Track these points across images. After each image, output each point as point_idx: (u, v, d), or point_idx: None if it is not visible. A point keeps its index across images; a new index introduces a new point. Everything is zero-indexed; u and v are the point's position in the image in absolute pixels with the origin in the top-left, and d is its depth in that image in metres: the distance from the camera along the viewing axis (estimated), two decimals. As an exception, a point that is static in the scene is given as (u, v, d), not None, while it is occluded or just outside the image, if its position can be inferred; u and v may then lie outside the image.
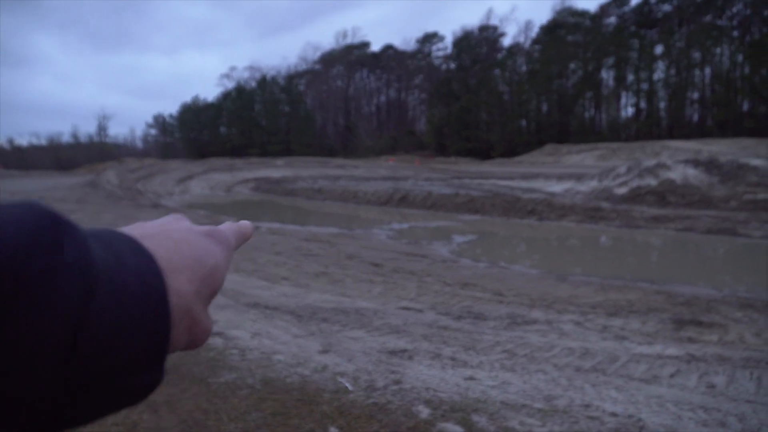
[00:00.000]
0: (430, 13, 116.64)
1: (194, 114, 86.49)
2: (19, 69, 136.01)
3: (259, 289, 6.46)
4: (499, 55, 69.95)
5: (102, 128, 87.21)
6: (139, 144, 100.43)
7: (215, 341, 4.28)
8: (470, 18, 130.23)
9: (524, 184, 23.79)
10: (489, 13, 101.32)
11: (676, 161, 17.49)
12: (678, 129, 53.52)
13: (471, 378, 3.61)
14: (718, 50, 53.98)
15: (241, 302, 5.76)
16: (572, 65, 61.64)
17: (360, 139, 74.33)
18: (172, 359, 3.84)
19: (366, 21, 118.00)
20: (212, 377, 3.54)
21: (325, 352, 4.10)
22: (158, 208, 18.12)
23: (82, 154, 79.31)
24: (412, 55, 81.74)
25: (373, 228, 13.34)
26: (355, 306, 5.65)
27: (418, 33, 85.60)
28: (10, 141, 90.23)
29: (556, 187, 20.34)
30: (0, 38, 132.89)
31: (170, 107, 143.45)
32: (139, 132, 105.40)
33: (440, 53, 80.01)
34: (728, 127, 48.39)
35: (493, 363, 3.92)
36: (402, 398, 3.26)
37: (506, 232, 13.19)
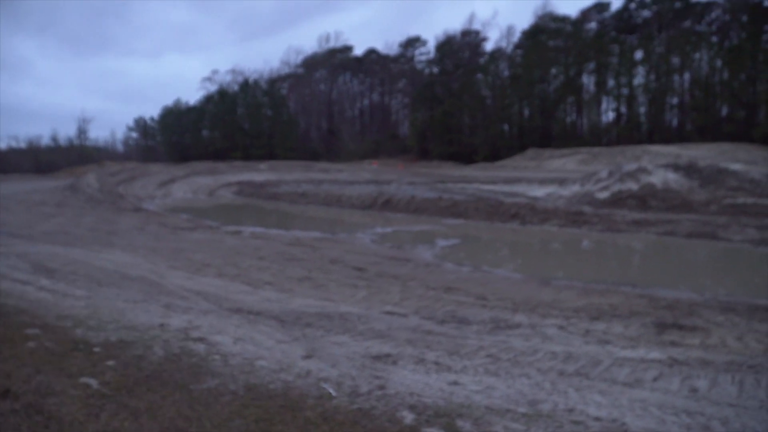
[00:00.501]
0: (412, 17, 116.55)
1: (176, 117, 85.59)
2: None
3: (242, 294, 6.41)
4: (482, 60, 70.21)
5: (82, 131, 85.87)
6: (120, 147, 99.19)
7: (197, 347, 4.23)
8: (453, 22, 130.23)
9: (507, 188, 23.93)
10: (471, 17, 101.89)
11: (657, 165, 17.72)
12: (658, 133, 54.10)
13: (455, 383, 3.60)
14: (697, 56, 54.74)
15: (224, 307, 5.70)
16: (554, 70, 62.04)
17: (343, 143, 74.12)
18: (153, 365, 3.78)
19: (348, 25, 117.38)
20: (194, 383, 3.49)
21: (308, 357, 4.07)
22: (139, 212, 17.91)
23: (62, 158, 78.03)
24: (394, 60, 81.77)
25: (356, 232, 13.32)
26: (339, 311, 5.62)
27: (401, 37, 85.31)
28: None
29: (539, 192, 20.49)
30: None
31: (152, 111, 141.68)
32: (120, 135, 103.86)
33: (423, 57, 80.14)
34: (707, 131, 49.04)
35: (477, 367, 3.91)
36: (386, 404, 3.24)
37: (489, 236, 13.25)
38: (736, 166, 16.44)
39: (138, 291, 6.43)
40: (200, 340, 4.42)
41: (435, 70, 74.17)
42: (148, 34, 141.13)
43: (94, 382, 3.48)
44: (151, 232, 12.72)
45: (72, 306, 5.56)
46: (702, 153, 36.90)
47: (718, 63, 52.24)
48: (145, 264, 8.42)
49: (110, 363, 3.83)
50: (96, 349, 4.13)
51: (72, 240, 11.12)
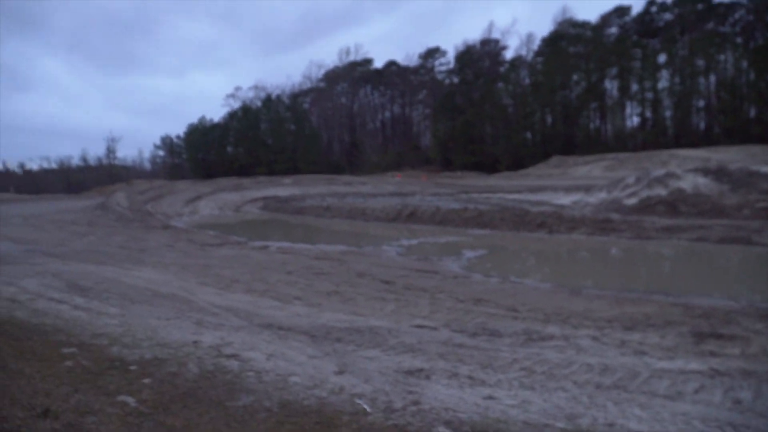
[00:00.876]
0: (432, 28, 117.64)
1: (201, 134, 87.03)
2: (27, 93, 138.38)
3: (271, 309, 6.44)
4: (502, 69, 70.12)
5: (111, 150, 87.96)
6: (148, 165, 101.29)
7: (231, 363, 4.26)
8: (472, 32, 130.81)
9: (532, 197, 23.73)
10: (490, 26, 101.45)
11: (686, 170, 17.40)
12: (685, 137, 53.26)
13: (490, 397, 3.56)
14: (722, 57, 53.90)
15: (255, 323, 5.74)
16: (575, 76, 61.62)
17: (366, 155, 74.53)
18: (188, 383, 3.81)
19: (368, 38, 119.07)
20: (230, 400, 3.52)
21: (341, 372, 4.07)
22: (168, 229, 18.17)
23: (92, 177, 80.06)
24: (415, 71, 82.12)
25: (382, 245, 13.31)
26: (369, 325, 5.61)
27: (421, 48, 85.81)
28: (21, 165, 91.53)
29: (565, 200, 20.28)
30: (8, 63, 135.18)
31: (177, 128, 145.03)
32: (147, 153, 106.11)
33: (443, 68, 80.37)
34: (735, 134, 48.09)
35: (511, 381, 3.87)
36: (422, 419, 3.21)
37: (516, 245, 13.13)
38: (767, 169, 16.04)
39: (170, 308, 6.51)
40: (233, 356, 4.46)
41: (455, 80, 74.17)
42: (172, 51, 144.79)
43: (131, 400, 3.52)
44: (180, 249, 12.89)
45: (106, 324, 5.66)
46: (731, 156, 36.19)
47: (744, 64, 51.32)
48: (176, 281, 8.53)
49: (146, 381, 3.88)
50: (132, 367, 4.19)
51: (104, 258, 11.32)
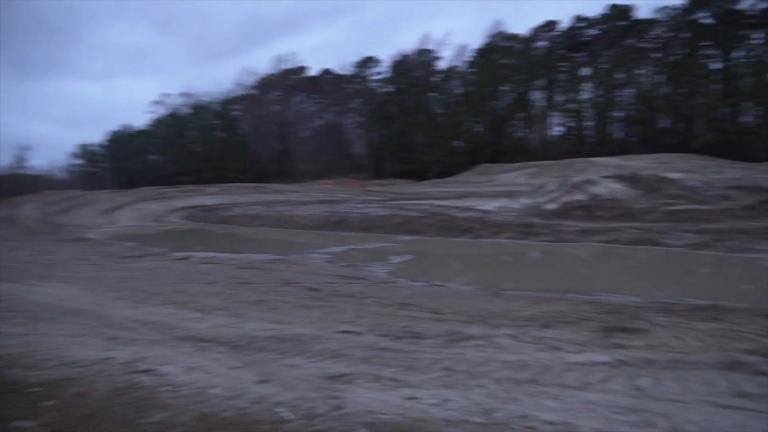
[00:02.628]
0: (372, 40, 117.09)
1: (123, 142, 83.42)
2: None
3: (191, 321, 6.24)
4: (435, 79, 71.26)
5: (20, 159, 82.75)
6: (63, 175, 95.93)
7: (143, 379, 4.08)
8: (408, 44, 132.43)
9: (460, 203, 24.21)
10: (425, 37, 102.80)
11: (602, 177, 18.31)
12: (604, 146, 55.83)
13: (412, 398, 3.60)
14: (641, 71, 57.08)
15: (173, 336, 5.54)
16: (505, 87, 63.41)
17: (296, 163, 73.86)
18: (96, 402, 3.62)
19: (307, 46, 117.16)
20: (142, 418, 3.36)
21: (262, 382, 3.99)
22: (82, 242, 17.30)
23: (-3, 188, 75.01)
24: (349, 79, 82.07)
25: (309, 252, 13.22)
26: (293, 333, 5.55)
27: (357, 58, 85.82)
28: None
29: (490, 205, 20.83)
30: None
31: (100, 136, 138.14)
32: (63, 162, 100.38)
33: (378, 77, 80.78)
34: (650, 143, 50.96)
35: (433, 381, 3.92)
36: (344, 423, 3.20)
37: (442, 250, 13.36)
38: (675, 175, 17.15)
39: (79, 325, 6.18)
40: (148, 371, 4.27)
41: (389, 89, 74.60)
42: (100, 55, 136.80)
43: (29, 425, 3.30)
44: (94, 263, 12.29)
45: (5, 345, 5.28)
46: (644, 164, 38.26)
47: (660, 78, 54.57)
48: (88, 296, 8.11)
49: (49, 403, 3.65)
50: (33, 390, 3.93)
51: (6, 275, 10.58)
